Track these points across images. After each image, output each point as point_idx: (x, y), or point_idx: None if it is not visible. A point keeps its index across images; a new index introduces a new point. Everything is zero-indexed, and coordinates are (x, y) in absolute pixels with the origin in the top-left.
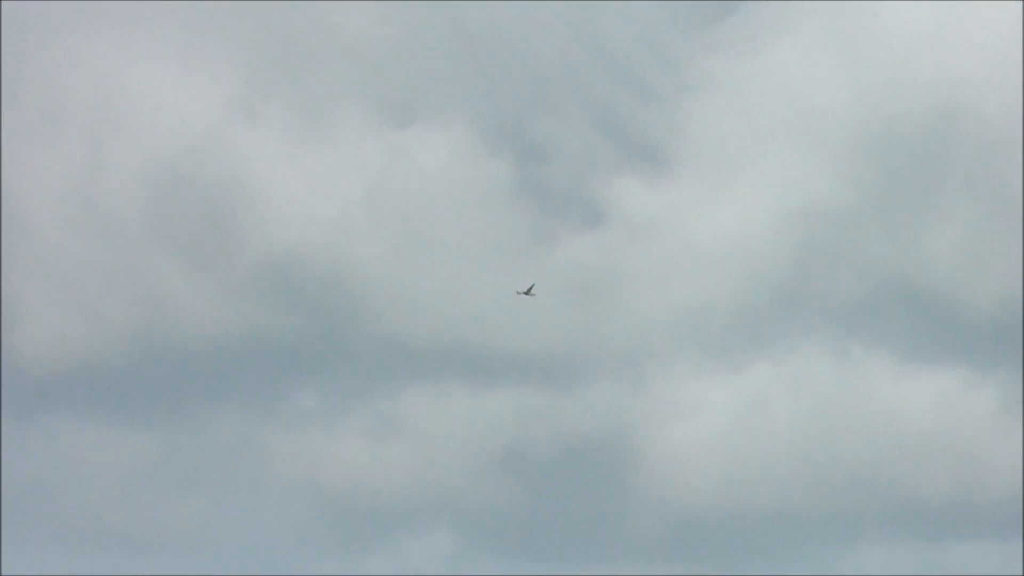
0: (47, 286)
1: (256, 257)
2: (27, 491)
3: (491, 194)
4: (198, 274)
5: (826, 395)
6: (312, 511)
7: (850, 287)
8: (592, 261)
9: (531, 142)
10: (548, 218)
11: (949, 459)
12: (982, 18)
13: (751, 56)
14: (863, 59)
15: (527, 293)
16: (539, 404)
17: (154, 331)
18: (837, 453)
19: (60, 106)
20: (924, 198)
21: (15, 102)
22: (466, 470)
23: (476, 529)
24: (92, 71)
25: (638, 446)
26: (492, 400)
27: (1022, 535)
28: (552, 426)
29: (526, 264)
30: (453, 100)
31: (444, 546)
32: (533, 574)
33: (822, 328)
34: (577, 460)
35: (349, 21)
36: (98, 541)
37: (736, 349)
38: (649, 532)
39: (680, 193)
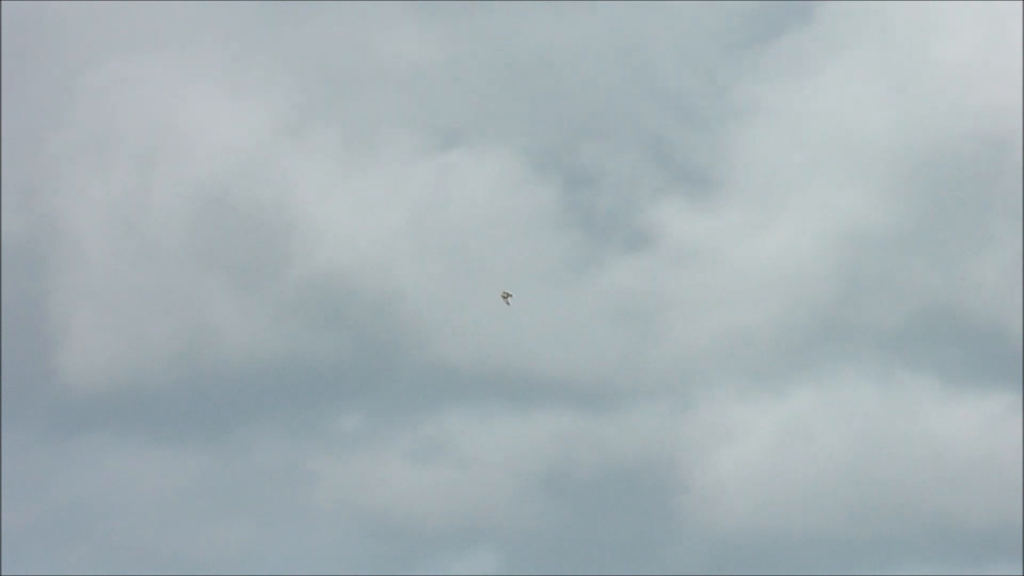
0: (93, 307)
1: (302, 280)
2: (70, 511)
3: (537, 218)
4: (244, 297)
5: (870, 420)
6: (355, 533)
7: (895, 312)
8: (637, 285)
9: (578, 167)
10: (594, 242)
11: (993, 485)
12: None
13: (798, 82)
14: (910, 85)
15: (506, 298)
16: (583, 427)
17: (199, 353)
18: (881, 478)
19: (108, 129)
20: (970, 224)
21: (63, 125)
22: (510, 493)
23: (519, 552)
24: (140, 95)
25: (682, 470)
26: (536, 423)
27: None
28: (595, 449)
29: (571, 288)
30: (500, 124)
31: (487, 569)
32: None
33: (867, 353)
34: (620, 483)
35: (397, 46)
36: (140, 562)
37: (780, 374)
38: (692, 556)
39: (726, 218)
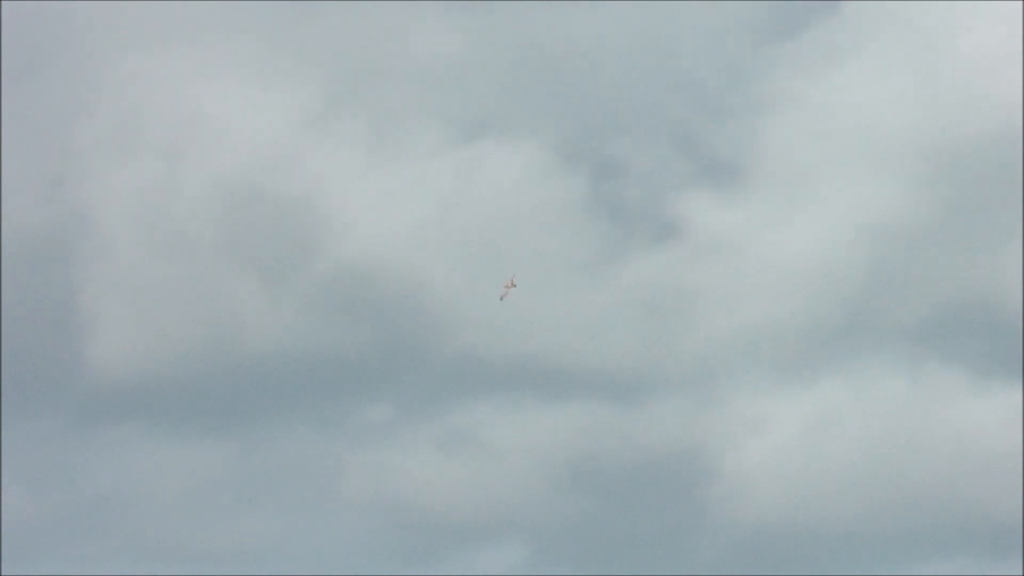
0: (120, 299)
1: (328, 272)
2: (97, 503)
3: (563, 210)
4: (270, 288)
5: (897, 412)
6: (382, 525)
7: (922, 305)
8: (664, 277)
9: (604, 159)
10: (620, 234)
11: (1021, 477)
12: None
13: (824, 74)
14: (936, 78)
15: (509, 287)
16: (610, 419)
17: (226, 345)
18: (908, 470)
19: (135, 121)
20: (996, 216)
21: (91, 118)
22: (537, 484)
23: (547, 543)
24: (168, 87)
25: (708, 462)
26: (563, 415)
27: None
28: (622, 441)
29: (597, 280)
30: (526, 116)
31: (515, 559)
32: None
33: (893, 345)
34: (647, 475)
35: (423, 38)
36: (167, 553)
37: (807, 366)
38: (718, 547)
39: (753, 209)
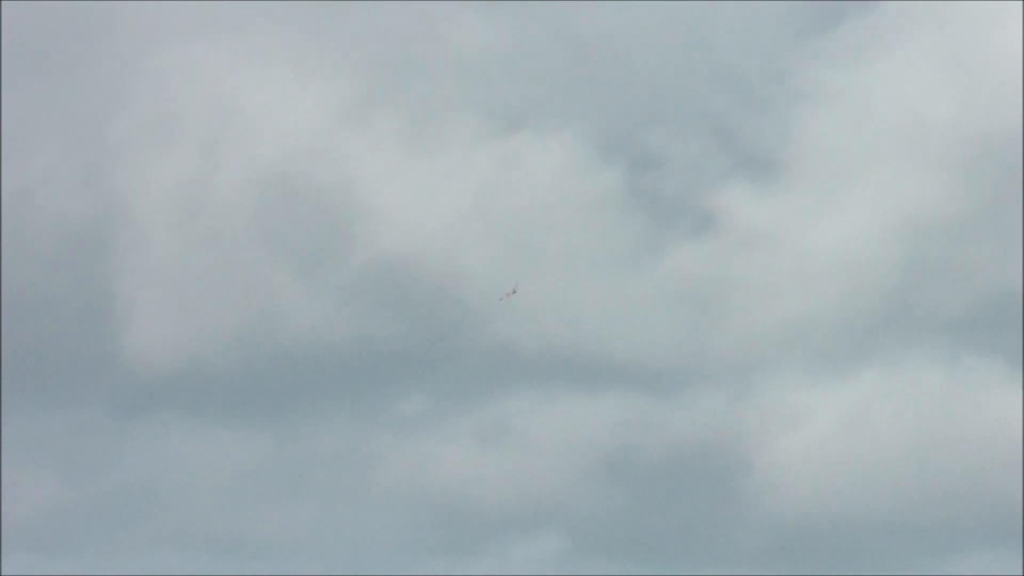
0: (158, 290)
1: (365, 263)
2: (135, 492)
3: (601, 202)
4: (307, 280)
5: (934, 404)
6: (418, 516)
7: (960, 297)
8: (701, 270)
9: (642, 150)
10: (658, 227)
11: None
12: None
13: (862, 67)
14: (974, 71)
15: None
16: (646, 411)
17: (263, 335)
18: (945, 463)
19: (172, 113)
20: None
21: (128, 109)
22: (573, 476)
23: (582, 534)
24: (205, 79)
25: (745, 453)
26: (599, 407)
27: None
28: (659, 433)
29: (635, 272)
30: (563, 108)
31: (550, 551)
32: None
33: (931, 338)
34: (683, 466)
35: (461, 29)
36: (203, 543)
37: (844, 358)
38: (755, 539)
39: (790, 202)
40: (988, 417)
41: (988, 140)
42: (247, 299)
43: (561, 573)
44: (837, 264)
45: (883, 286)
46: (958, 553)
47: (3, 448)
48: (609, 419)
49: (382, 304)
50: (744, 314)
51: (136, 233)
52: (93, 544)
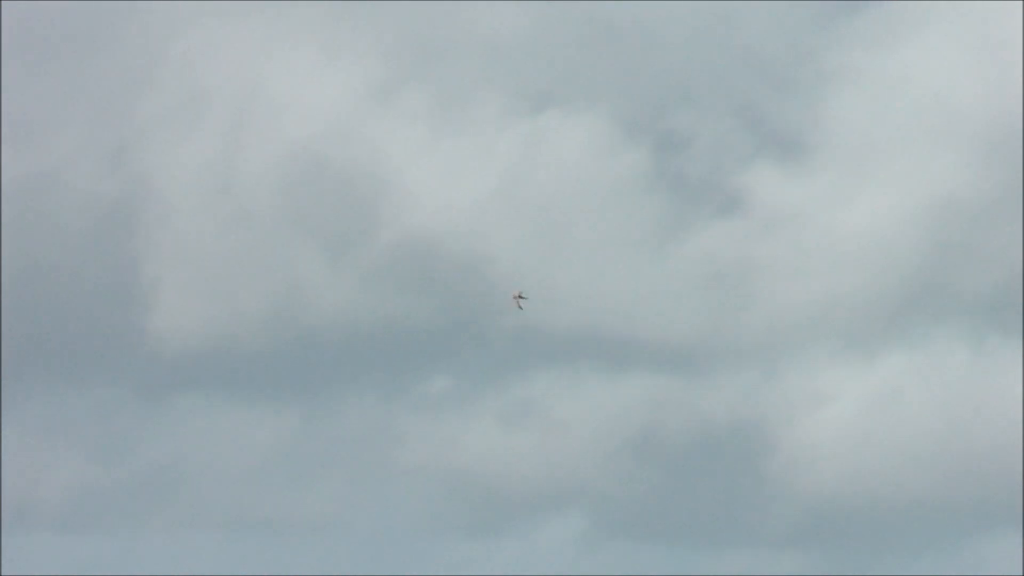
0: (185, 270)
1: (392, 243)
2: (162, 472)
3: (627, 182)
4: (334, 259)
5: (961, 385)
6: (443, 495)
7: (986, 278)
8: (727, 250)
9: (668, 131)
10: (684, 207)
11: None
12: None
13: (890, 47)
14: (1002, 52)
15: (519, 299)
16: (672, 391)
17: (289, 315)
18: (971, 442)
19: (199, 92)
20: None
21: (155, 88)
22: (598, 456)
23: (606, 514)
24: (232, 58)
25: (770, 434)
26: (626, 387)
27: None
28: (684, 413)
29: (661, 252)
30: (590, 88)
31: (574, 531)
32: (663, 560)
33: (957, 318)
34: (708, 447)
35: (487, 10)
36: (230, 523)
37: (871, 339)
38: (780, 520)
39: (817, 183)
40: (1014, 397)
41: (1015, 121)
42: (274, 279)
43: (585, 553)
44: (863, 245)
45: (909, 267)
46: (983, 533)
47: (29, 428)
48: (634, 399)
49: (408, 284)
50: (769, 295)
51: (163, 213)
52: (120, 524)
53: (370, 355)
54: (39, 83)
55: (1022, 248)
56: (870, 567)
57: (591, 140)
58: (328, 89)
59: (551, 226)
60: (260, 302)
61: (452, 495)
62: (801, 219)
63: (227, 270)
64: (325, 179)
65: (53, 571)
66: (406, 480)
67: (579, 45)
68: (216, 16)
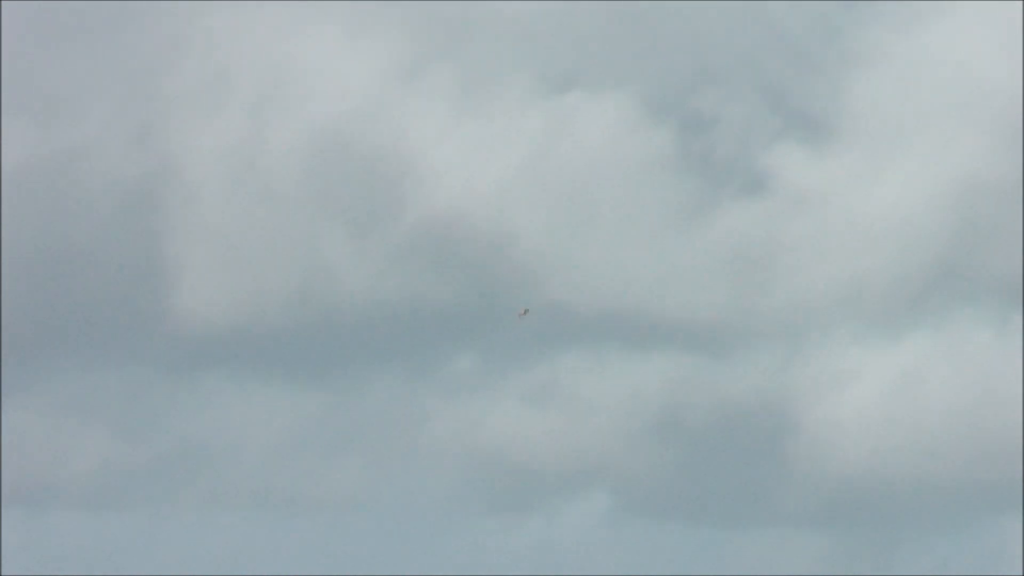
0: (210, 249)
1: (417, 222)
2: (187, 450)
3: (652, 162)
4: (359, 239)
5: (985, 365)
6: (468, 474)
7: (1011, 258)
8: (752, 230)
9: (693, 111)
10: (709, 187)
11: None
12: None
13: (915, 29)
14: None
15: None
16: (696, 371)
17: (314, 294)
18: (995, 423)
19: (224, 72)
20: None
21: (180, 69)
22: (622, 435)
23: (630, 493)
24: (257, 38)
25: (795, 414)
26: (649, 367)
27: None
28: (709, 393)
29: (685, 232)
30: (615, 69)
31: (599, 509)
32: (685, 538)
33: (982, 299)
34: (732, 427)
35: None
36: (254, 501)
37: (895, 319)
38: (803, 499)
39: (842, 163)
40: None
41: None
42: (298, 258)
43: (609, 531)
44: (888, 225)
45: (934, 247)
46: (1007, 513)
47: (55, 407)
48: (659, 379)
49: (433, 264)
50: (794, 275)
51: (188, 192)
52: (144, 502)
53: (395, 334)
54: (65, 63)
55: None
56: (892, 546)
57: (616, 121)
58: (354, 69)
59: (576, 206)
60: (285, 281)
61: (476, 474)
62: (826, 199)
63: (252, 249)
64: (350, 159)
65: (79, 547)
66: (430, 459)
67: (604, 25)
68: None
